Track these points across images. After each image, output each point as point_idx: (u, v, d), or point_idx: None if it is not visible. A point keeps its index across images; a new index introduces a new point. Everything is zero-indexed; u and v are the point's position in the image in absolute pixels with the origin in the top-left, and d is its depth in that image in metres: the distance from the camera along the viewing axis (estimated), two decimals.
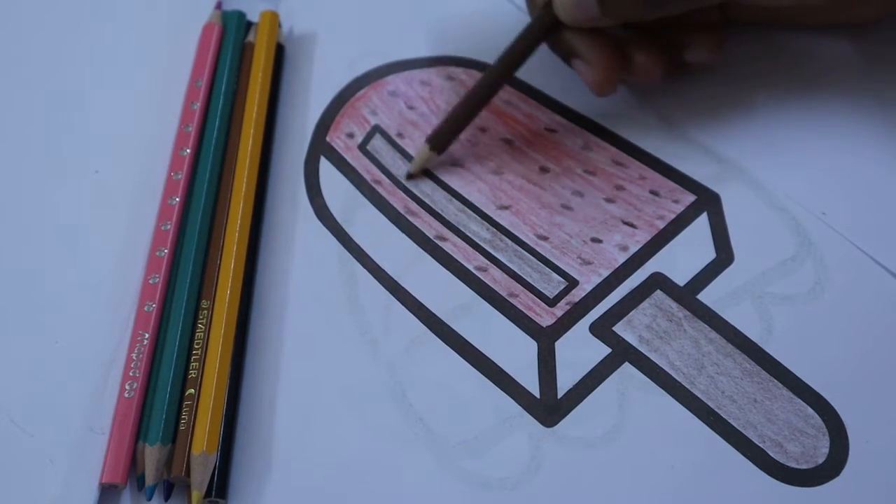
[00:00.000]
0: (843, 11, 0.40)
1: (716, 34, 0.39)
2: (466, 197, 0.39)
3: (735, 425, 0.32)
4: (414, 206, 0.39)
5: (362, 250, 0.37)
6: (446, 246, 0.37)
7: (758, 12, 0.40)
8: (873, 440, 0.32)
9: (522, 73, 0.42)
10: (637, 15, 0.37)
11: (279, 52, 0.43)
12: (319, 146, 0.41)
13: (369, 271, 0.37)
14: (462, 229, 0.38)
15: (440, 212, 0.38)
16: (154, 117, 0.41)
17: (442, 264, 0.37)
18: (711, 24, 0.39)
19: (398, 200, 0.39)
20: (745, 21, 0.41)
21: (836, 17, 0.40)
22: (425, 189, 0.39)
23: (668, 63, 0.39)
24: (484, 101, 0.39)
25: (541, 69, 0.41)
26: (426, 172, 0.39)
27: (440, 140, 0.39)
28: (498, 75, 0.38)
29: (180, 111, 0.40)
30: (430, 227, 0.38)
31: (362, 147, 0.40)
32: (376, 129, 0.41)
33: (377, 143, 0.40)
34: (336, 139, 0.41)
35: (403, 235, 0.38)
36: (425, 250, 0.37)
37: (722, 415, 0.33)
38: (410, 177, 0.39)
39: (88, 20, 0.44)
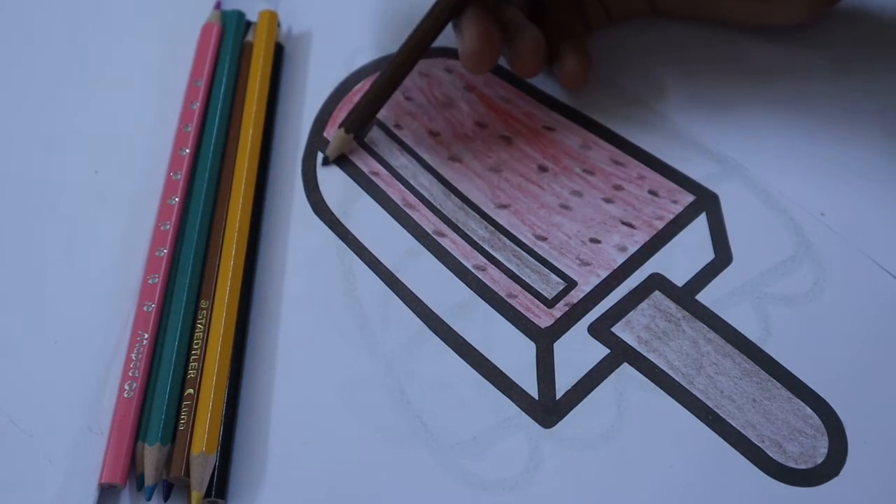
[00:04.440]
0: (763, 14, 0.40)
1: (582, 57, 0.39)
2: (465, 193, 0.38)
3: (734, 425, 0.33)
4: (412, 198, 0.38)
5: (360, 243, 0.37)
6: (444, 242, 0.37)
7: (681, 6, 0.41)
8: (872, 440, 0.32)
9: None
10: None
11: (278, 52, 0.43)
12: (316, 142, 0.41)
13: (367, 265, 0.37)
14: (461, 226, 0.38)
15: (439, 207, 0.38)
16: (154, 117, 0.41)
17: (440, 260, 0.37)
18: (581, 47, 0.39)
19: (396, 192, 0.39)
20: (669, 13, 0.42)
21: (757, 19, 0.41)
22: (423, 182, 0.39)
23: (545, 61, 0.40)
24: (397, 81, 0.39)
25: None
26: (425, 166, 0.39)
27: (355, 123, 0.39)
28: (408, 55, 0.39)
29: (180, 111, 0.40)
30: (428, 222, 0.38)
31: (359, 139, 0.40)
32: (374, 121, 0.41)
33: (374, 135, 0.40)
34: (333, 134, 0.41)
35: (401, 228, 0.38)
36: (423, 245, 0.37)
37: (721, 415, 0.33)
38: (327, 161, 0.39)
39: (88, 20, 0.44)
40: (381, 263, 0.37)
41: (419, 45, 0.38)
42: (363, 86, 0.42)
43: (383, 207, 0.38)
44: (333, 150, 0.39)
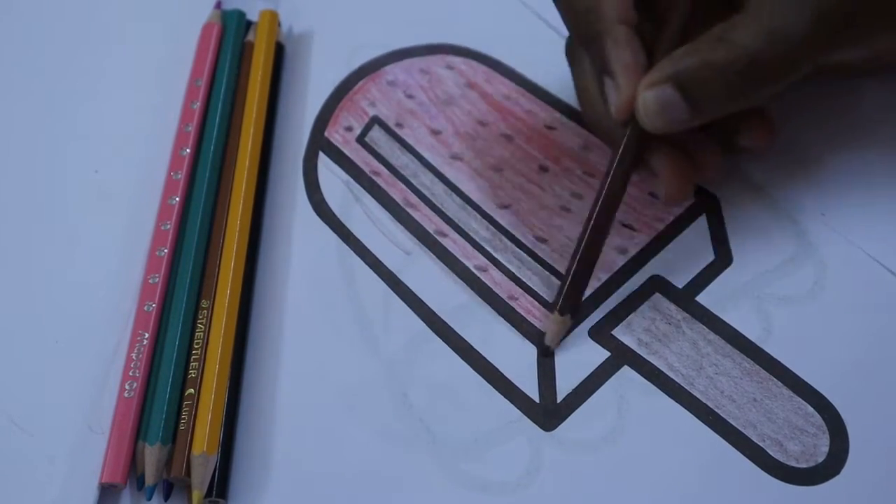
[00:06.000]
0: None
1: (767, 119, 0.36)
2: (466, 193, 0.38)
3: (735, 425, 0.32)
4: (414, 198, 0.38)
5: (362, 244, 0.37)
6: (446, 242, 0.37)
7: (835, 69, 0.36)
8: (873, 438, 0.32)
9: (522, 67, 0.42)
10: (724, 111, 0.34)
11: (279, 52, 0.43)
12: (318, 142, 0.41)
13: (369, 266, 0.37)
14: (462, 226, 0.38)
15: (440, 206, 0.38)
16: (154, 117, 0.41)
17: (442, 261, 0.37)
18: (761, 109, 0.36)
19: (398, 192, 0.39)
20: (816, 78, 0.36)
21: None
22: (425, 181, 0.39)
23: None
24: (598, 248, 0.35)
25: (540, 63, 0.41)
26: (427, 165, 0.39)
27: (569, 304, 0.34)
28: (605, 216, 0.34)
29: (180, 111, 0.40)
30: (429, 222, 0.38)
31: (360, 139, 0.40)
32: (375, 121, 0.41)
33: (375, 135, 0.40)
34: (334, 133, 0.41)
35: (403, 229, 0.38)
36: (425, 245, 0.37)
37: (721, 414, 0.33)
38: (549, 352, 0.34)
39: (88, 20, 0.44)
40: (382, 265, 0.37)
41: (612, 203, 0.35)
42: (364, 84, 0.42)
43: (384, 207, 0.38)
44: (554, 338, 0.34)
